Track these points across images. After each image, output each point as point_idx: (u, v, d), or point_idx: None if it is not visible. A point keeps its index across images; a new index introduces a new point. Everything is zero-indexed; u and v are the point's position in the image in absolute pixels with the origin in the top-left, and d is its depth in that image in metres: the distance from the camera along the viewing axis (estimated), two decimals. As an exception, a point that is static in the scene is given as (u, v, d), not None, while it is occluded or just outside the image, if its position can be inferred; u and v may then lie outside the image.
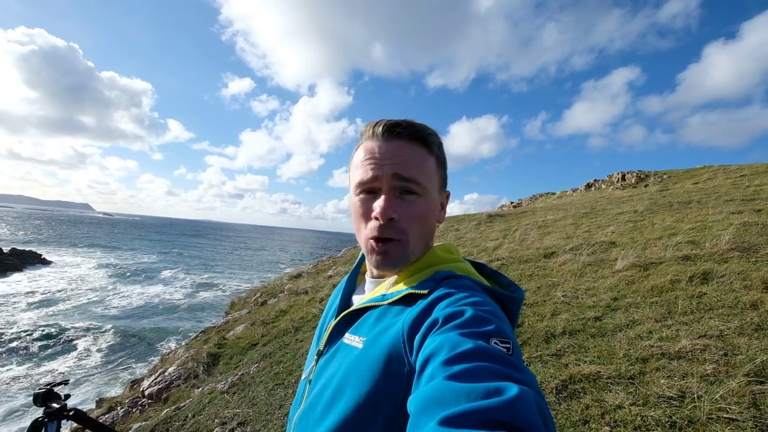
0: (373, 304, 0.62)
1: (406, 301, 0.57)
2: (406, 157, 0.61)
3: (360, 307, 0.63)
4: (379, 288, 0.66)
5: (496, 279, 0.68)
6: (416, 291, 0.56)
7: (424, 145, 0.64)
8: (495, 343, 0.42)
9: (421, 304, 0.54)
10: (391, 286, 0.63)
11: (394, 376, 0.49)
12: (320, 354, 0.67)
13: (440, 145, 0.68)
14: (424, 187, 0.62)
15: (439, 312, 0.49)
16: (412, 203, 0.61)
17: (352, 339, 0.59)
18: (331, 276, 7.73)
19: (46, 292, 18.52)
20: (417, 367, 0.44)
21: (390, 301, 0.59)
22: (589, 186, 20.19)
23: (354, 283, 0.78)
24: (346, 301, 0.74)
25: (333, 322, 0.67)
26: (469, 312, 0.46)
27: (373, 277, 0.70)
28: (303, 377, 0.71)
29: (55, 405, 1.34)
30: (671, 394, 1.81)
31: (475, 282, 0.58)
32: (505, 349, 0.41)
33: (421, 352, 0.44)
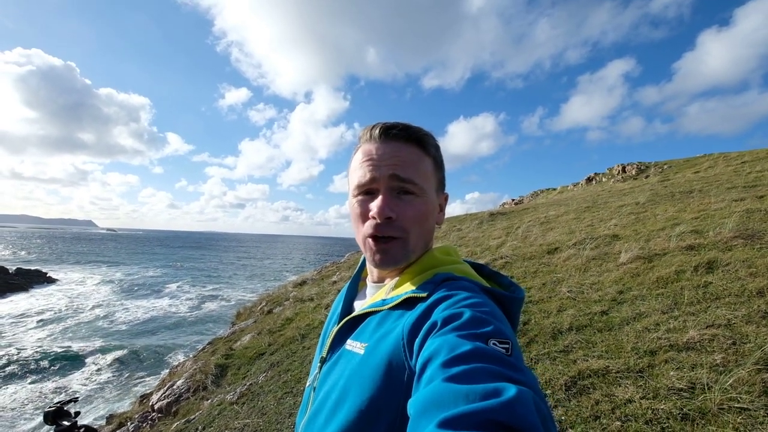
0: (373, 309, 0.62)
1: (406, 305, 0.58)
2: (403, 158, 0.62)
3: (361, 312, 0.64)
4: (379, 293, 0.66)
5: (496, 279, 0.68)
6: (415, 294, 0.57)
7: (420, 146, 0.65)
8: (493, 344, 0.42)
9: (421, 307, 0.54)
10: (391, 291, 0.63)
11: (395, 381, 0.50)
12: (323, 361, 0.67)
13: (437, 147, 0.68)
14: (421, 188, 0.63)
15: (438, 314, 0.49)
16: (410, 203, 0.62)
17: (353, 345, 0.60)
18: (335, 282, 7.73)
19: (53, 310, 18.61)
20: (416, 370, 0.44)
21: (390, 305, 0.59)
22: (589, 180, 20.14)
23: (355, 289, 0.78)
24: (347, 308, 0.74)
25: (335, 329, 0.67)
26: (467, 314, 0.46)
27: (373, 282, 0.71)
28: (308, 384, 0.72)
29: (65, 423, 1.35)
30: (681, 386, 1.80)
31: (474, 283, 0.58)
32: (503, 350, 0.41)
33: (421, 354, 0.44)
